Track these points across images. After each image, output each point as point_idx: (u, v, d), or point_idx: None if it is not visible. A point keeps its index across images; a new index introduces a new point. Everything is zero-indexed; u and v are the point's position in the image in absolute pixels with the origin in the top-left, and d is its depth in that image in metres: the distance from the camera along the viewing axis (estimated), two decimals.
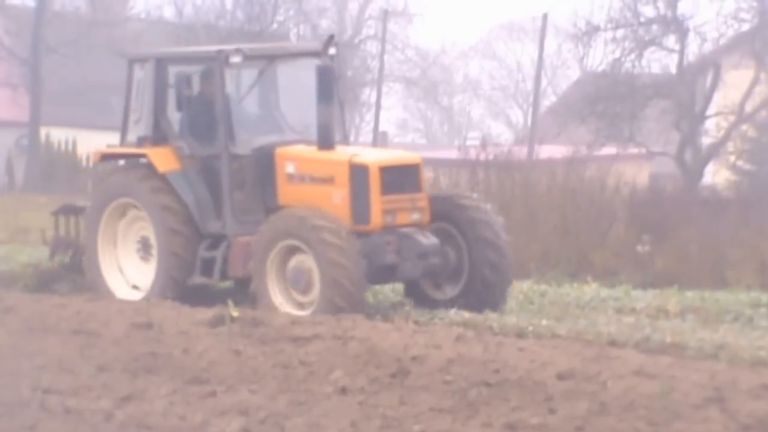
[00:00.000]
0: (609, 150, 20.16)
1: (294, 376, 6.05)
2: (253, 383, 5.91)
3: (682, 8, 21.02)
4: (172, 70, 8.81)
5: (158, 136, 8.82)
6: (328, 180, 8.32)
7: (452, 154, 17.04)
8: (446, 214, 8.46)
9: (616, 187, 14.15)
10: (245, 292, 8.37)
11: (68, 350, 6.59)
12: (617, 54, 20.69)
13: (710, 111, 21.25)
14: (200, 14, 28.70)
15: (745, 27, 20.83)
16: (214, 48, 8.99)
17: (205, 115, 8.67)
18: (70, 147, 28.09)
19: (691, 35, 20.94)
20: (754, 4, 20.71)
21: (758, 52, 20.40)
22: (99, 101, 28.84)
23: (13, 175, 27.32)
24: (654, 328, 8.02)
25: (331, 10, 36.56)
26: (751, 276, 11.46)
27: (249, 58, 8.72)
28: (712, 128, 21.85)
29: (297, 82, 9.39)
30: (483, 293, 8.34)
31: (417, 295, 8.51)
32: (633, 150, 21.20)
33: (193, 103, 8.66)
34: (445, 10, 57.62)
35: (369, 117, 39.34)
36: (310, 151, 8.53)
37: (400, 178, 8.33)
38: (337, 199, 8.22)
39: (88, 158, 28.39)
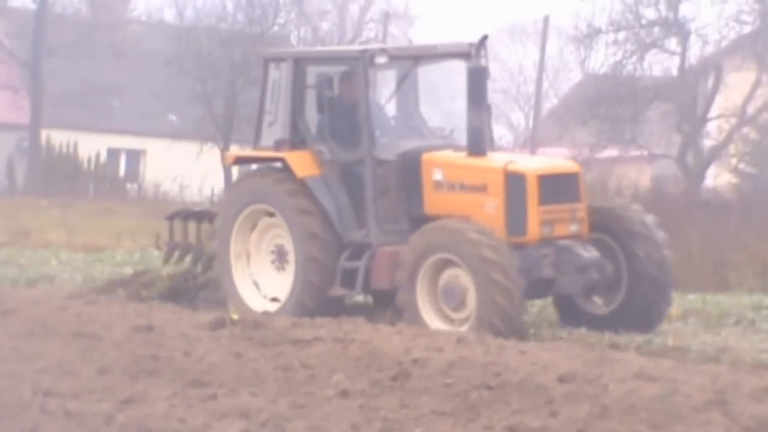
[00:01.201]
0: (610, 152, 20.16)
1: (295, 379, 6.05)
2: (254, 386, 5.90)
3: (684, 10, 21.05)
4: (311, 71, 8.33)
5: (296, 140, 8.32)
6: (480, 188, 7.88)
7: None
8: (604, 226, 7.94)
9: (617, 190, 14.14)
10: (384, 304, 7.98)
11: (69, 353, 6.57)
12: (619, 56, 20.71)
13: (712, 113, 21.25)
14: (201, 16, 28.72)
15: (747, 29, 20.84)
16: (357, 48, 8.87)
17: (347, 118, 8.20)
18: (71, 149, 28.11)
19: (693, 37, 20.96)
20: (756, 6, 20.71)
21: (760, 54, 20.40)
22: (100, 104, 28.86)
23: (13, 178, 27.33)
24: (655, 331, 7.99)
25: (332, 13, 36.58)
26: (753, 279, 11.45)
27: (394, 58, 8.30)
28: (714, 131, 21.85)
29: (435, 84, 9.13)
30: (641, 311, 7.86)
31: (566, 308, 8.06)
32: (634, 152, 21.20)
33: (335, 105, 8.19)
34: (446, 12, 57.68)
35: None
36: (459, 157, 8.08)
37: (559, 187, 7.89)
38: (490, 208, 7.80)
39: (89, 161, 28.53)
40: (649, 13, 20.97)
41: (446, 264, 7.70)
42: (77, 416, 5.22)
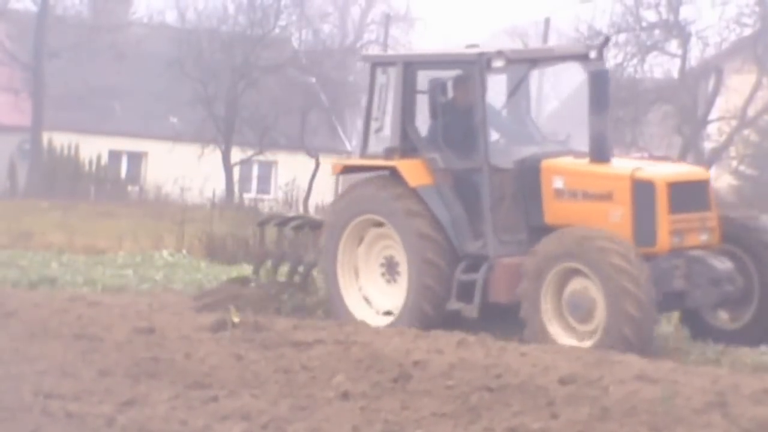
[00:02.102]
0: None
1: (296, 381, 6.05)
2: (255, 388, 5.90)
3: (685, 13, 21.07)
4: (422, 75, 8.00)
5: (406, 147, 7.96)
6: (605, 196, 7.46)
7: None
8: (735, 236, 7.55)
9: None
10: (492, 317, 7.62)
11: (70, 355, 6.58)
12: (619, 58, 20.73)
13: (712, 116, 21.25)
14: (202, 19, 28.76)
15: (747, 32, 20.85)
16: (473, 51, 8.02)
17: (461, 124, 7.87)
18: (72, 152, 28.13)
19: (694, 40, 20.98)
20: (756, 8, 20.73)
21: (760, 56, 20.41)
22: (101, 106, 28.88)
23: (15, 180, 27.35)
24: (656, 333, 7.98)
25: (333, 15, 36.62)
26: None
27: (511, 61, 7.88)
28: (714, 133, 21.85)
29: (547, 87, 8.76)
30: None
31: (693, 321, 7.70)
32: (635, 154, 21.16)
33: (448, 111, 7.87)
34: (447, 14, 57.71)
35: None
36: (581, 164, 7.68)
37: (689, 194, 7.48)
38: (616, 217, 7.37)
39: (90, 163, 28.55)
40: (650, 16, 21.01)
41: (572, 274, 7.30)
42: (78, 418, 5.24)
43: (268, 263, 8.97)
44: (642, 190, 7.44)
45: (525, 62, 8.26)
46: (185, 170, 26.65)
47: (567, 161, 7.83)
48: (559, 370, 6.07)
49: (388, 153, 8.03)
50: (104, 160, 28.79)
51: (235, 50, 26.98)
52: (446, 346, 6.76)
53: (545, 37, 28.07)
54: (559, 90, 42.07)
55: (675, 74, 21.29)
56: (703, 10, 25.06)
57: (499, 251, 7.75)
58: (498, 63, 7.77)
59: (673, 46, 21.02)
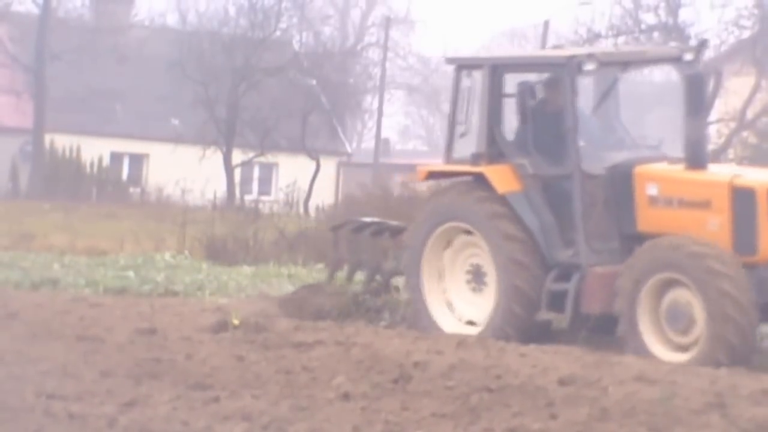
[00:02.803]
0: None
1: (296, 382, 6.06)
2: (256, 389, 5.91)
3: (683, 15, 21.08)
4: (510, 78, 7.78)
5: (493, 153, 7.73)
6: (703, 204, 7.20)
7: None
8: None
9: None
10: (579, 326, 7.38)
11: (72, 356, 6.59)
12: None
13: (711, 117, 21.26)
14: (204, 21, 28.82)
15: (746, 34, 20.87)
16: (563, 53, 7.85)
17: (551, 129, 7.61)
18: (74, 153, 28.17)
19: (692, 42, 20.95)
20: (755, 11, 20.75)
21: (759, 58, 20.42)
22: (103, 108, 28.92)
23: (17, 182, 27.39)
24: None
25: (333, 18, 36.66)
26: None
27: (603, 64, 7.60)
28: (713, 135, 21.87)
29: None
30: None
31: None
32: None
33: (538, 115, 7.63)
34: (447, 17, 57.75)
35: (371, 124, 39.41)
36: (677, 170, 7.41)
37: None
38: (714, 225, 7.12)
39: (92, 165, 28.59)
40: (649, 18, 21.03)
41: (669, 284, 7.07)
42: (80, 419, 5.24)
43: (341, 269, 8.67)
44: (742, 197, 7.17)
45: (617, 65, 7.96)
46: (186, 172, 26.69)
47: (661, 167, 7.56)
48: (559, 370, 6.10)
49: (475, 159, 7.79)
50: (106, 161, 28.83)
51: (236, 52, 27.03)
52: (446, 347, 6.78)
53: (544, 40, 28.07)
54: None
55: (674, 77, 21.27)
56: (702, 13, 25.05)
57: (591, 260, 7.48)
58: (590, 66, 7.51)
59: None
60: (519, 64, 8.32)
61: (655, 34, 20.88)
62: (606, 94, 8.01)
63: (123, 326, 7.53)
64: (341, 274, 8.87)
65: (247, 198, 26.91)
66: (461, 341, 7.02)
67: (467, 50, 50.48)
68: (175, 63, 26.41)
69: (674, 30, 20.78)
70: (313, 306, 8.31)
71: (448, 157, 8.08)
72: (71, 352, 6.70)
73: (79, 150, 28.14)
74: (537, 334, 7.48)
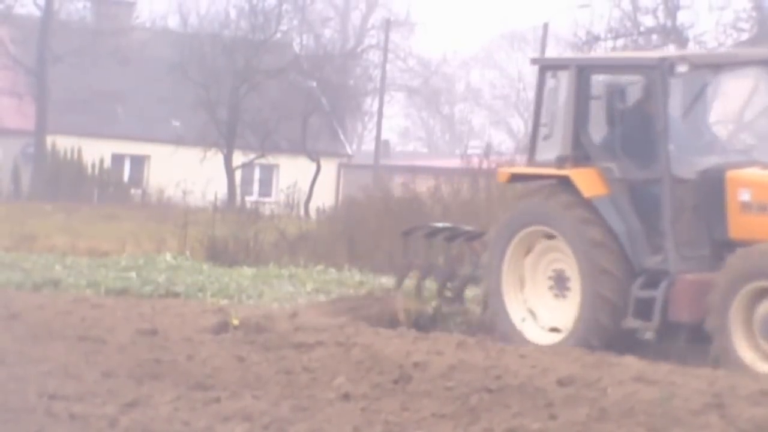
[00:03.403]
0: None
1: (297, 382, 6.08)
2: (257, 389, 5.93)
3: (682, 18, 21.11)
4: (597, 80, 7.60)
5: (579, 156, 7.52)
6: None
7: (454, 162, 17.04)
8: None
9: None
10: (671, 337, 7.18)
11: (73, 356, 6.60)
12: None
13: (709, 119, 21.23)
14: (204, 23, 28.88)
15: (744, 36, 20.88)
16: (655, 55, 7.69)
17: (640, 132, 7.40)
18: (75, 155, 28.22)
19: (691, 45, 20.98)
20: (753, 14, 20.77)
21: None
22: (104, 110, 28.97)
23: (19, 183, 27.43)
24: None
25: (334, 20, 36.69)
26: None
27: (696, 66, 7.41)
28: None
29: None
30: None
31: None
32: None
33: (627, 118, 7.41)
34: (446, 19, 57.79)
35: (371, 126, 39.44)
36: None
37: None
38: None
39: (93, 166, 28.63)
40: (648, 21, 21.06)
41: (763, 294, 6.88)
42: (82, 419, 5.26)
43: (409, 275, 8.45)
44: None
45: (709, 67, 7.75)
46: (187, 173, 26.73)
47: (754, 173, 7.39)
48: (558, 371, 6.11)
49: (560, 161, 7.58)
50: (107, 163, 28.88)
51: (237, 54, 27.08)
52: (446, 348, 6.79)
53: (543, 42, 28.09)
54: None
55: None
56: (701, 15, 25.04)
57: (680, 267, 7.26)
58: (682, 68, 7.32)
59: (671, 51, 21.05)
60: (607, 65, 8.11)
61: (654, 37, 20.91)
62: (696, 97, 7.76)
63: (124, 327, 7.55)
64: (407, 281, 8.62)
65: (248, 199, 26.94)
66: (461, 342, 7.04)
67: (467, 52, 50.54)
68: (176, 65, 26.46)
69: (673, 32, 20.81)
70: (387, 313, 8.04)
71: (531, 159, 7.88)
72: (73, 353, 6.71)
73: (80, 151, 28.18)
74: (622, 343, 7.21)
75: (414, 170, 17.19)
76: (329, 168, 29.50)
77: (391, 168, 28.74)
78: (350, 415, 5.39)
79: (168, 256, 12.75)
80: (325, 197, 25.68)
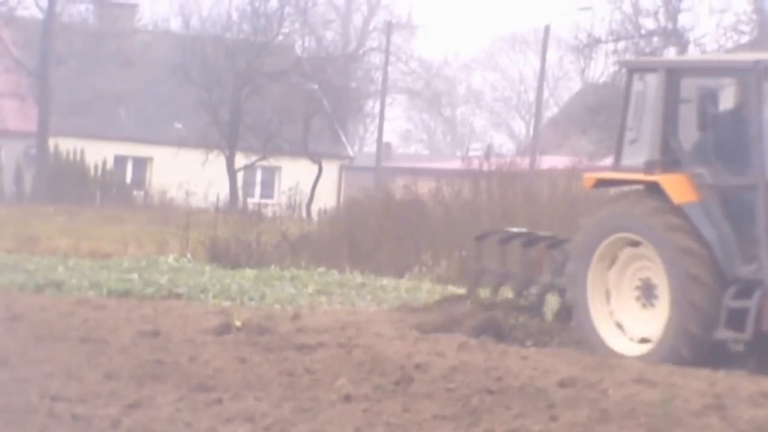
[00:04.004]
0: (610, 161, 20.16)
1: (299, 384, 6.09)
2: (259, 390, 5.94)
3: (683, 20, 21.17)
4: (687, 83, 7.35)
5: (668, 160, 7.27)
6: None
7: (455, 164, 17.06)
8: None
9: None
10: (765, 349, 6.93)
11: (76, 358, 6.61)
12: (618, 66, 20.81)
13: None
14: (207, 26, 28.94)
15: (745, 39, 20.91)
16: (749, 57, 7.39)
17: (733, 136, 7.19)
18: (78, 157, 28.26)
19: (692, 47, 21.01)
20: (754, 16, 20.81)
21: None
22: (107, 112, 29.01)
23: (21, 185, 27.49)
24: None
25: (335, 22, 36.75)
26: None
27: None
28: None
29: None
30: None
31: None
32: None
33: (718, 122, 7.20)
34: (448, 22, 57.85)
35: (373, 128, 39.48)
36: None
37: None
38: None
39: (96, 168, 28.68)
40: (649, 23, 21.11)
41: None
42: (84, 420, 5.26)
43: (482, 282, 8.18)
44: None
45: None
46: (190, 175, 26.78)
47: None
48: (559, 373, 6.13)
49: (649, 166, 7.32)
50: (110, 165, 28.93)
51: (239, 57, 27.14)
52: (447, 349, 6.81)
53: (545, 45, 28.13)
54: (558, 96, 42.13)
55: None
56: (701, 18, 25.02)
57: None
58: None
59: (672, 53, 21.09)
60: (699, 68, 7.88)
61: (655, 39, 20.94)
62: None
63: (126, 328, 7.56)
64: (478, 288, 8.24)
65: (250, 201, 26.97)
66: (462, 343, 7.05)
67: (468, 55, 50.51)
68: (178, 67, 26.52)
69: (673, 35, 20.83)
70: (468, 322, 7.73)
71: (617, 164, 7.63)
72: (75, 354, 6.72)
73: (83, 153, 28.23)
74: (712, 355, 7.02)
75: (415, 172, 17.21)
76: (331, 170, 29.53)
77: (393, 170, 28.79)
78: (352, 417, 5.40)
79: (170, 258, 12.78)
80: (326, 199, 25.72)
